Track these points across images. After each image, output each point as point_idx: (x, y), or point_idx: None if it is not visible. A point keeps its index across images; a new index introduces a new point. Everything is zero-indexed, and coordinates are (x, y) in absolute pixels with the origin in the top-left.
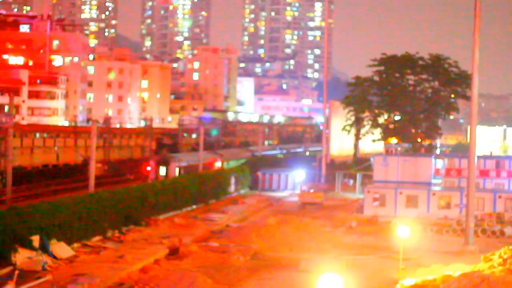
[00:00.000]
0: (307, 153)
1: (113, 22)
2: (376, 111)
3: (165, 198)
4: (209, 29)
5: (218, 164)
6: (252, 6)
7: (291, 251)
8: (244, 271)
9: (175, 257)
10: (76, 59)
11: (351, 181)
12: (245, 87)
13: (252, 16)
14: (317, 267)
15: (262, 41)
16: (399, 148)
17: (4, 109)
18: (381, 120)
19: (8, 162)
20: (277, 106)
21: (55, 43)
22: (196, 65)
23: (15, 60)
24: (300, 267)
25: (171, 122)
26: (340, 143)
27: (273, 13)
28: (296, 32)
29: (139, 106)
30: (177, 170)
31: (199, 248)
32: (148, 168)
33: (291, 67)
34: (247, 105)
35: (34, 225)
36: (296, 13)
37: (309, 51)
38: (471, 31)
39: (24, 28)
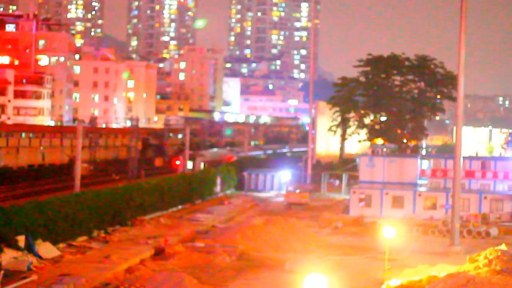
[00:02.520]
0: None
1: (99, 21)
2: (362, 111)
3: (151, 198)
4: (195, 29)
5: (233, 159)
6: (239, 6)
7: (277, 252)
8: (229, 272)
9: (161, 257)
10: (62, 58)
11: (337, 182)
12: (231, 87)
13: (239, 16)
14: (303, 268)
15: (248, 42)
16: (384, 149)
17: None
18: (367, 120)
19: None
20: (263, 107)
21: (41, 42)
22: (182, 65)
23: (0, 59)
24: (286, 268)
25: (157, 122)
26: (326, 143)
27: (259, 13)
28: (282, 33)
29: (125, 106)
30: (202, 164)
31: (184, 248)
32: (178, 162)
33: (278, 67)
34: (233, 105)
35: (20, 225)
36: (283, 14)
37: (295, 52)
38: (457, 32)
39: (10, 28)
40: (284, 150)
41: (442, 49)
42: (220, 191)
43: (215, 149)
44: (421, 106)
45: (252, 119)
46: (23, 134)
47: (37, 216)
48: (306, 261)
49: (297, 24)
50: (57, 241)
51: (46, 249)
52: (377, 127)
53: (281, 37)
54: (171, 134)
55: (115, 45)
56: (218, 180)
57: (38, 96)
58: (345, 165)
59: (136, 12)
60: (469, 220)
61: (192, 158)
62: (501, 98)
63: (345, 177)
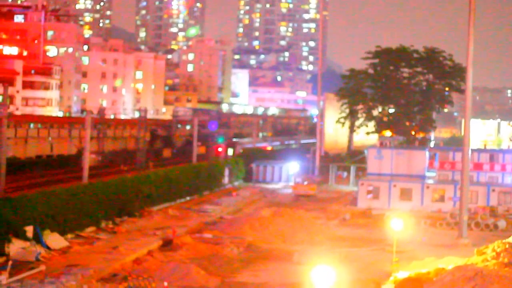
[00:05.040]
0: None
1: (108, 13)
2: (370, 103)
3: (159, 189)
4: (204, 20)
5: (268, 148)
6: None
7: (285, 243)
8: (237, 263)
9: (169, 248)
10: (70, 49)
11: (345, 174)
12: (239, 79)
13: (247, 8)
14: (310, 259)
15: (257, 33)
16: (393, 141)
17: None
18: (375, 112)
19: (2, 152)
20: (271, 98)
21: (50, 33)
22: (191, 56)
23: (9, 50)
24: (294, 259)
25: (165, 113)
26: (334, 135)
27: (268, 5)
28: (291, 24)
29: (133, 97)
30: (241, 151)
31: (192, 239)
32: (220, 150)
33: (286, 59)
34: (242, 96)
35: (28, 216)
36: (291, 5)
37: (303, 43)
38: (466, 24)
39: (18, 18)
40: (311, 141)
41: (450, 41)
42: (228, 183)
43: (259, 140)
44: (429, 98)
45: (260, 111)
46: (32, 125)
47: (45, 206)
48: (314, 253)
49: (306, 16)
50: (65, 231)
51: (54, 239)
52: (385, 119)
53: (290, 29)
54: (179, 125)
55: (124, 36)
56: (226, 172)
57: (46, 87)
58: (353, 157)
59: (144, 3)
60: (477, 212)
61: (232, 146)
62: (509, 91)
63: (353, 169)
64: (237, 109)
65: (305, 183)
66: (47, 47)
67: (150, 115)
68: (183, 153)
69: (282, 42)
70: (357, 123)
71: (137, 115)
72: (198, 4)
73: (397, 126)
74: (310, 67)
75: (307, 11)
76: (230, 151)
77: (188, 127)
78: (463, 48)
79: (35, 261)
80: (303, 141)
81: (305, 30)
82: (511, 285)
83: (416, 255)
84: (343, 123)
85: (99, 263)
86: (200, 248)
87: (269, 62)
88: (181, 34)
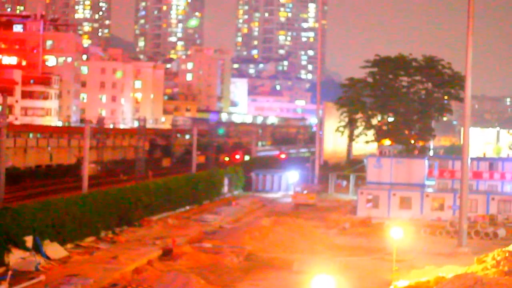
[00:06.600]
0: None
1: (107, 22)
2: (370, 112)
3: (158, 198)
4: (203, 29)
5: (282, 156)
6: (246, 7)
7: (285, 252)
8: (237, 272)
9: (169, 258)
10: (69, 59)
11: (344, 183)
12: (238, 88)
13: (246, 17)
14: (311, 268)
15: (255, 42)
16: (392, 150)
17: None
18: (374, 121)
19: (2, 162)
20: (270, 107)
21: (49, 43)
22: (190, 65)
23: (8, 60)
24: (293, 268)
25: (165, 122)
26: (334, 144)
27: (266, 14)
28: (289, 33)
29: (132, 107)
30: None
31: (192, 249)
32: (237, 156)
33: (285, 68)
34: (241, 106)
35: (27, 226)
36: (290, 14)
37: (302, 52)
38: (465, 32)
39: (17, 28)
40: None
41: (449, 50)
42: (228, 192)
43: (273, 149)
44: (428, 107)
45: (259, 120)
46: (31, 135)
47: (44, 216)
48: (313, 262)
49: (304, 25)
50: (64, 241)
51: (54, 249)
52: (384, 128)
53: (288, 38)
54: (178, 135)
55: (123, 46)
56: (226, 181)
57: (45, 97)
58: (352, 166)
59: (143, 13)
60: (477, 221)
61: (249, 153)
62: (508, 99)
63: (353, 178)
64: (236, 118)
65: (305, 192)
66: (46, 57)
67: (149, 124)
68: (182, 163)
69: (281, 51)
70: (356, 132)
71: (136, 124)
72: (197, 13)
73: (396, 134)
74: (309, 76)
75: (305, 20)
76: (247, 157)
77: (187, 137)
78: (462, 56)
79: (34, 271)
80: (302, 150)
81: (304, 39)
82: None
83: (416, 263)
84: (342, 132)
85: (98, 273)
86: (200, 258)
87: (268, 71)
88: (180, 43)
